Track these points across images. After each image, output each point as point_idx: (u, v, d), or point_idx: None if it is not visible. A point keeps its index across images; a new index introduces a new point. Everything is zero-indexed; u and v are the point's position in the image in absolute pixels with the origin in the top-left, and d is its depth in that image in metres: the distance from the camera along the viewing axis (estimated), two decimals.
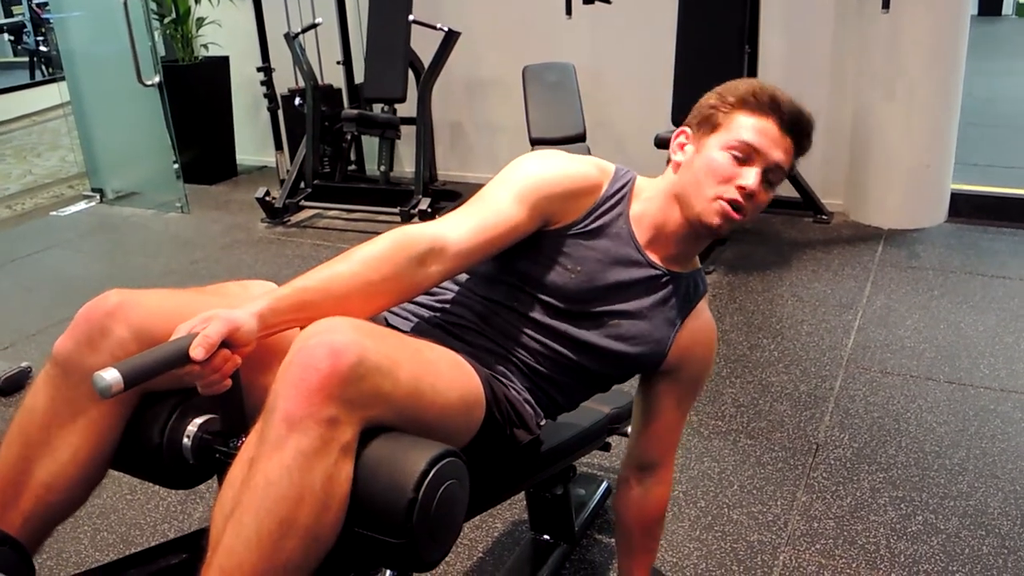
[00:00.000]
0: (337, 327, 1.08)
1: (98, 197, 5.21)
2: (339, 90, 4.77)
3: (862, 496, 2.19)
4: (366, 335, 1.08)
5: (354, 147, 4.98)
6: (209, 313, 1.11)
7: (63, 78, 5.34)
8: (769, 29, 3.98)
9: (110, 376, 0.99)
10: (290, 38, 4.37)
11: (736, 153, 1.36)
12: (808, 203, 4.13)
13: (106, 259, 4.32)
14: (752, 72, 3.88)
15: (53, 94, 8.20)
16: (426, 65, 4.36)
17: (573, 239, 1.42)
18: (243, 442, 1.16)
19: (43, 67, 9.90)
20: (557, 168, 1.42)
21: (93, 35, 4.99)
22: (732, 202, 1.36)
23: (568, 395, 1.52)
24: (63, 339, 1.24)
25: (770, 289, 3.44)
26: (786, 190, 4.15)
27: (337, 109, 4.68)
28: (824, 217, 4.12)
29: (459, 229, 1.31)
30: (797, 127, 1.39)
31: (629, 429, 1.78)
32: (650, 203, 1.46)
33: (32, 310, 3.65)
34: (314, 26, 4.44)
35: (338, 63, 4.74)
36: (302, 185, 4.57)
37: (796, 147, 1.40)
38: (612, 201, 1.45)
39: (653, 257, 1.46)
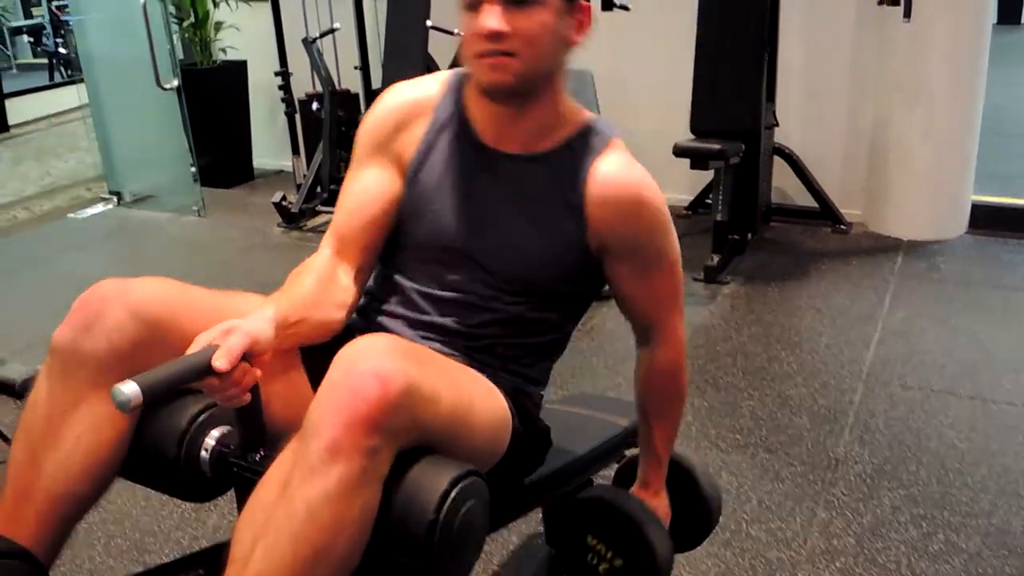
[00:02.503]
0: (382, 350, 1.06)
1: (116, 200, 5.22)
2: (356, 95, 4.76)
3: (883, 513, 2.16)
4: (411, 360, 1.08)
5: None
6: (227, 324, 1.10)
7: (82, 80, 5.36)
8: (788, 35, 3.95)
9: (129, 390, 0.98)
10: (308, 43, 4.37)
11: (469, 9, 1.26)
12: (826, 212, 4.10)
13: (124, 263, 4.33)
14: (772, 79, 3.85)
15: (71, 96, 8.24)
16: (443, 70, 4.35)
17: (416, 174, 1.38)
18: (262, 456, 1.15)
19: (62, 69, 9.94)
20: (378, 108, 1.41)
21: (112, 38, 5.00)
22: (485, 53, 1.25)
23: (541, 350, 1.46)
24: (60, 329, 1.25)
25: (789, 300, 3.41)
26: (804, 199, 4.14)
27: (354, 114, 4.67)
28: (842, 227, 4.08)
29: (339, 223, 1.38)
30: None
31: None
32: (469, 95, 1.38)
33: (49, 313, 3.58)
34: (332, 31, 4.44)
35: (355, 68, 4.73)
36: (318, 190, 4.57)
37: None
38: (447, 112, 1.38)
39: (506, 149, 1.36)
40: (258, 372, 1.11)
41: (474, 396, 1.22)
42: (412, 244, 1.39)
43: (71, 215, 5.12)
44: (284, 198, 4.45)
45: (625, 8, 3.72)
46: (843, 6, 3.98)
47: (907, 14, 3.30)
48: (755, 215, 3.89)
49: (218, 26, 5.19)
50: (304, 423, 1.05)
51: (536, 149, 1.35)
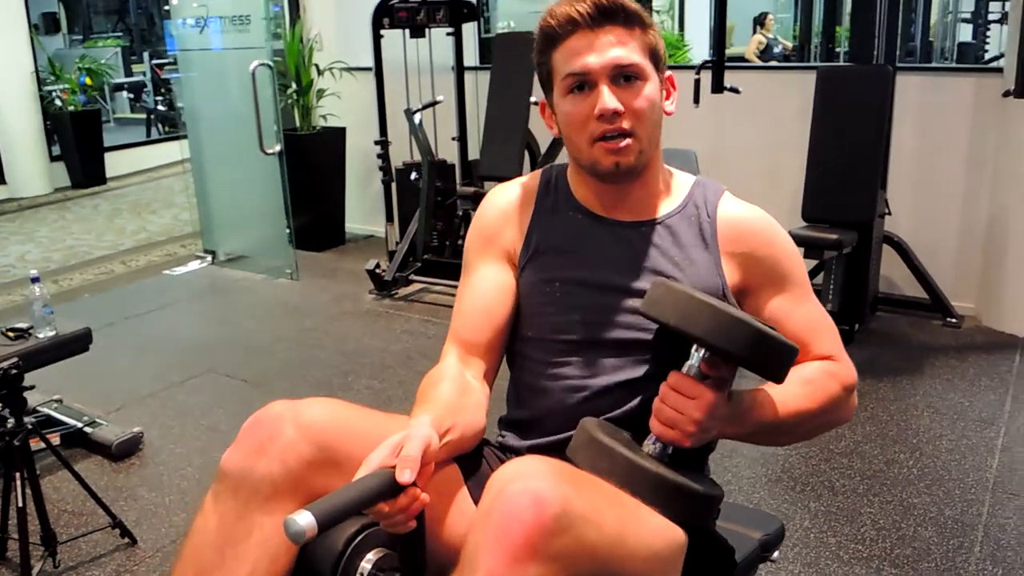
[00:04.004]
0: (536, 471, 1.00)
1: (210, 258, 5.31)
2: (452, 166, 4.79)
3: None
4: (566, 479, 1.01)
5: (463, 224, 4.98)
6: (394, 440, 1.05)
7: (180, 137, 5.51)
8: (902, 121, 3.85)
9: (304, 521, 0.91)
10: (410, 114, 4.42)
11: (575, 90, 1.26)
12: (937, 304, 3.94)
13: (217, 322, 4.36)
14: (884, 166, 3.75)
15: (168, 152, 8.54)
16: (543, 146, 4.35)
17: (532, 258, 1.37)
18: None
19: (159, 125, 10.31)
20: (482, 212, 1.43)
21: (217, 97, 5.15)
22: (603, 135, 1.25)
23: None
24: (230, 452, 1.20)
25: (902, 398, 3.25)
26: (914, 290, 3.99)
27: (450, 184, 4.70)
28: (953, 320, 3.91)
29: (460, 327, 1.37)
30: (609, 12, 1.24)
31: (776, 554, 1.65)
32: (572, 180, 1.40)
33: (144, 371, 3.69)
34: (435, 103, 4.49)
35: (453, 139, 4.78)
36: (411, 259, 4.58)
37: (625, 25, 1.25)
38: (548, 198, 1.39)
39: (622, 218, 1.36)
40: (426, 498, 1.05)
41: (641, 510, 1.13)
42: (540, 326, 1.38)
43: (166, 271, 5.22)
44: (378, 265, 4.46)
45: (736, 91, 3.68)
46: (961, 94, 3.87)
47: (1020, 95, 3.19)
48: (864, 306, 3.76)
49: (320, 93, 5.30)
50: (462, 554, 1.00)
51: (651, 214, 1.36)
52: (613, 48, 1.24)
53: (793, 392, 1.29)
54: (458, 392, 1.27)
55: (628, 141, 1.25)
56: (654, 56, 1.28)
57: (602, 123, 1.24)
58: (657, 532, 1.12)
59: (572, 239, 1.36)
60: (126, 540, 2.45)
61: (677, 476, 1.17)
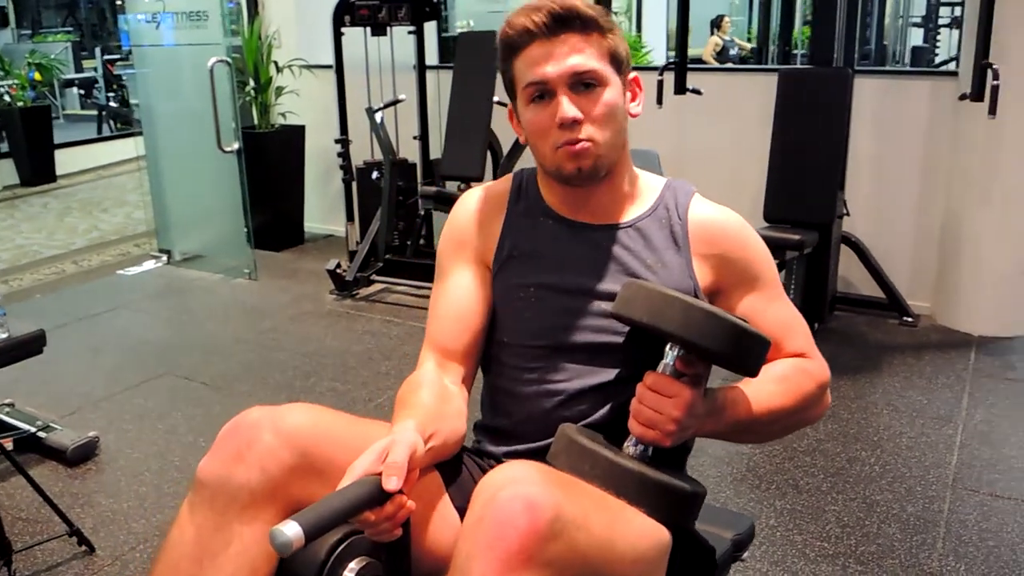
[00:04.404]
0: (527, 477, 0.99)
1: (165, 258, 5.21)
2: (413, 165, 4.76)
3: None
4: (556, 484, 1.00)
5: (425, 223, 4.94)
6: (379, 446, 1.03)
7: (135, 134, 5.39)
8: (859, 126, 3.91)
9: (291, 531, 0.88)
10: (371, 112, 4.38)
11: (536, 99, 1.27)
12: (893, 304, 4.00)
13: (174, 324, 4.28)
14: (843, 169, 3.80)
15: (120, 150, 8.37)
16: (505, 147, 4.33)
17: (506, 263, 1.37)
18: None
19: (110, 122, 10.10)
20: (454, 216, 1.43)
21: (173, 94, 5.06)
22: (566, 143, 1.25)
23: None
24: (207, 460, 1.16)
25: (862, 396, 3.29)
26: (871, 289, 4.05)
27: (411, 184, 4.66)
28: (909, 319, 3.98)
29: (436, 333, 1.36)
30: (564, 20, 1.24)
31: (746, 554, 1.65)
32: (541, 184, 1.41)
33: (99, 374, 3.60)
34: (397, 102, 4.46)
35: (414, 138, 4.74)
36: (372, 259, 4.53)
37: (582, 31, 1.25)
38: (520, 203, 1.39)
39: (592, 221, 1.36)
40: (412, 505, 1.03)
41: (628, 512, 1.13)
42: (513, 331, 1.37)
43: (120, 271, 5.11)
44: (339, 265, 4.41)
45: (698, 92, 3.70)
46: (917, 97, 3.94)
47: (992, 111, 3.25)
48: (824, 305, 3.80)
49: (279, 91, 5.22)
50: (453, 562, 0.98)
51: (621, 217, 1.36)
52: (570, 56, 1.24)
53: (768, 389, 1.29)
54: (438, 398, 1.25)
55: (588, 145, 1.25)
56: (615, 60, 1.27)
57: (563, 131, 1.24)
58: (643, 533, 1.12)
59: (543, 243, 1.35)
60: (84, 548, 2.38)
61: (661, 475, 1.16)
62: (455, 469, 1.31)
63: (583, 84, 1.24)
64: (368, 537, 1.03)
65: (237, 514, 1.11)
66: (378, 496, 0.96)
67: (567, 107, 1.23)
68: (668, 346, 1.18)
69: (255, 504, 1.12)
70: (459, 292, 1.37)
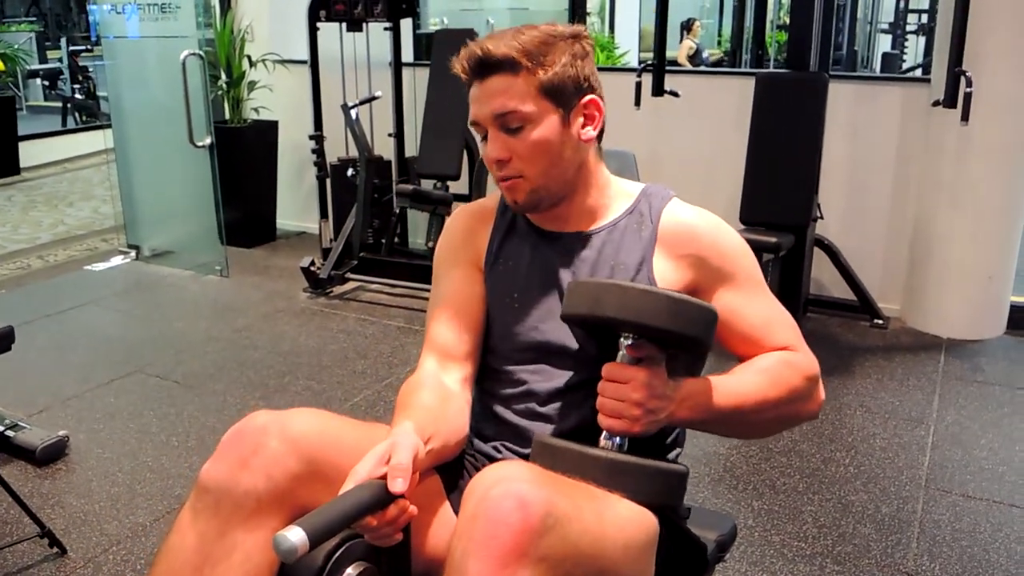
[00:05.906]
0: (517, 474, 1.00)
1: (134, 254, 5.13)
2: (389, 162, 4.73)
3: None
4: (546, 480, 1.01)
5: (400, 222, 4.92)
6: (379, 450, 1.02)
7: (101, 127, 5.30)
8: (833, 130, 3.94)
9: (295, 538, 0.87)
10: (347, 109, 4.34)
11: (482, 139, 1.32)
12: (865, 306, 4.05)
13: (144, 321, 4.21)
14: (817, 173, 3.83)
15: (86, 142, 8.22)
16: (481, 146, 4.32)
17: (493, 269, 1.40)
18: None
19: (76, 114, 9.93)
20: (449, 227, 1.48)
21: (143, 87, 4.98)
22: (500, 179, 1.31)
23: None
24: (210, 466, 1.13)
25: (836, 397, 3.33)
26: (842, 292, 4.09)
27: (387, 181, 4.64)
28: (880, 322, 4.03)
29: (436, 334, 1.37)
30: (486, 64, 1.25)
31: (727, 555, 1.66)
32: None
33: (67, 372, 3.54)
34: (373, 99, 4.43)
35: (390, 135, 4.71)
36: (347, 257, 4.50)
37: (510, 71, 1.25)
38: (505, 216, 1.43)
39: (566, 230, 1.39)
40: (414, 509, 1.02)
41: (618, 505, 1.14)
42: (499, 336, 1.39)
43: (88, 267, 5.02)
44: (313, 263, 4.37)
45: (675, 95, 3.71)
46: (889, 103, 3.99)
47: (964, 117, 3.29)
48: (797, 307, 3.84)
49: (251, 86, 5.17)
50: (448, 562, 0.98)
51: (593, 224, 1.38)
52: (493, 99, 1.26)
53: (751, 380, 1.30)
54: (439, 399, 1.25)
55: (518, 180, 1.29)
56: (552, 93, 1.26)
57: (495, 168, 1.30)
58: (631, 520, 1.13)
59: (523, 253, 1.39)
60: (55, 550, 2.34)
61: (630, 457, 1.18)
62: (456, 473, 1.31)
63: (509, 129, 1.26)
64: (366, 542, 1.02)
65: (241, 521, 1.09)
66: (383, 499, 0.95)
67: (491, 148, 1.28)
68: (621, 337, 1.20)
69: (260, 511, 1.10)
70: (457, 295, 1.39)
